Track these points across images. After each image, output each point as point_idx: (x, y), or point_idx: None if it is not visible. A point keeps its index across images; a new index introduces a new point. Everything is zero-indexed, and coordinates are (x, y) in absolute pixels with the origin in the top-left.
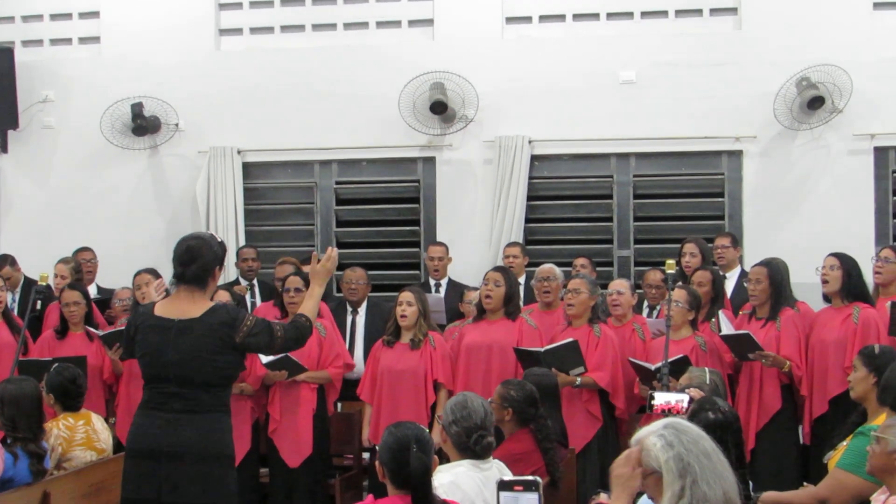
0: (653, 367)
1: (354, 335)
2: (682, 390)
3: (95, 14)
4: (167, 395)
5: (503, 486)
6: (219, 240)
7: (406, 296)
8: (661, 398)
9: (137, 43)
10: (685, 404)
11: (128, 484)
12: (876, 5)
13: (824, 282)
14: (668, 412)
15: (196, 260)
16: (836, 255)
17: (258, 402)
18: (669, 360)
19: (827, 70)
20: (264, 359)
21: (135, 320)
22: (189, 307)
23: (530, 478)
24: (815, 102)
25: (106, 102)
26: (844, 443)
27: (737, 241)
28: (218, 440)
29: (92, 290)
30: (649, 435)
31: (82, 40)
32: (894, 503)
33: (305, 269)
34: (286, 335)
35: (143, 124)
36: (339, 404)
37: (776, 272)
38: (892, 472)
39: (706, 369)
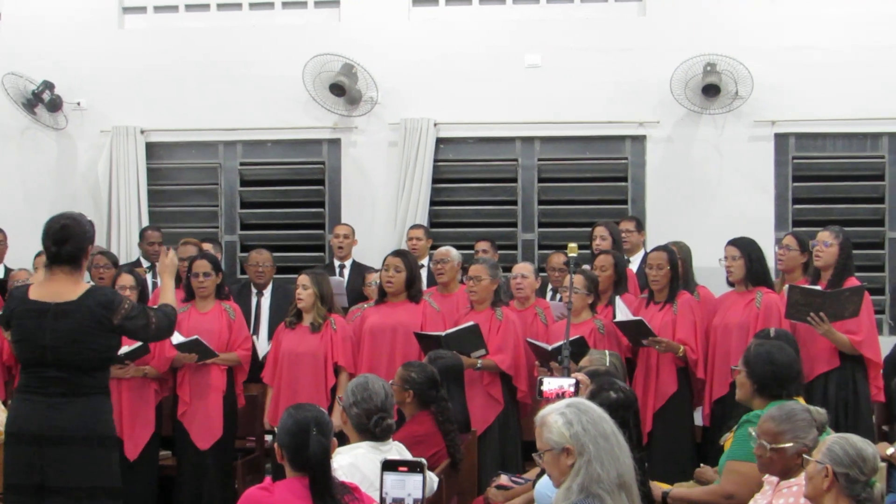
0: (549, 348)
1: (259, 317)
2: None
3: None
4: (46, 379)
5: (387, 466)
6: (88, 219)
7: (302, 279)
8: (549, 384)
9: (40, 20)
10: (572, 388)
11: (9, 470)
12: None
13: (729, 272)
14: (561, 396)
15: (70, 239)
16: (735, 243)
17: (163, 385)
18: (566, 341)
19: (728, 57)
20: (174, 341)
21: (9, 305)
22: (65, 289)
23: (415, 459)
24: (710, 90)
25: (7, 81)
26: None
27: (641, 226)
28: (100, 422)
29: None
30: (552, 412)
31: None
32: (785, 487)
33: (206, 247)
34: (159, 322)
35: (33, 101)
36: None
37: (675, 257)
38: (795, 469)
39: (606, 352)
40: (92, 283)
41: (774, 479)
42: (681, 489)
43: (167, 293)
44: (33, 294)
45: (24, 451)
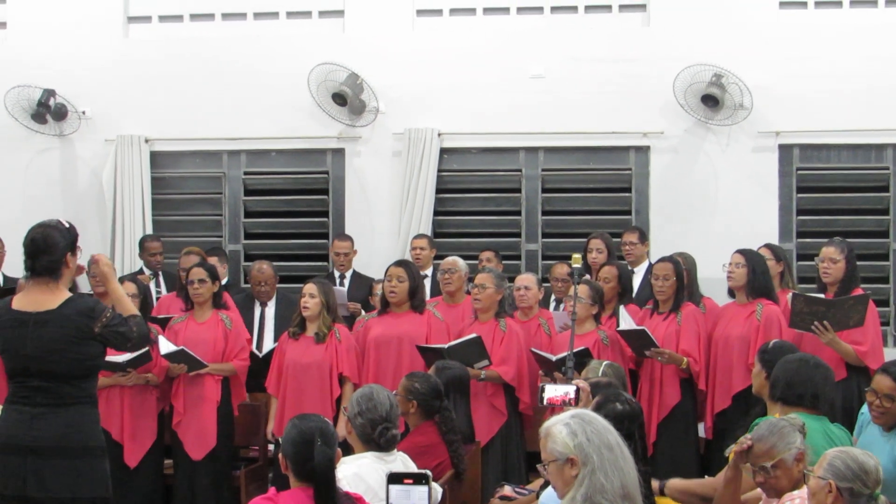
0: (554, 359)
1: (263, 327)
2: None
3: (1, 0)
4: (31, 388)
5: (393, 479)
6: (66, 224)
7: (309, 287)
8: (551, 391)
9: (45, 29)
10: (572, 395)
11: None
12: (782, 4)
13: (730, 277)
14: (566, 403)
15: (43, 251)
16: (742, 252)
17: (165, 394)
18: (570, 352)
19: (729, 71)
20: (163, 350)
21: None
22: (45, 298)
23: (420, 471)
24: (708, 100)
25: (11, 94)
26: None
27: (644, 237)
28: (84, 432)
29: None
30: (556, 423)
31: None
32: (788, 500)
33: (212, 260)
34: (139, 332)
35: (41, 111)
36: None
37: (681, 268)
38: (799, 477)
39: (603, 362)
40: (88, 291)
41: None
42: (679, 481)
43: (121, 303)
44: (16, 304)
45: (9, 461)
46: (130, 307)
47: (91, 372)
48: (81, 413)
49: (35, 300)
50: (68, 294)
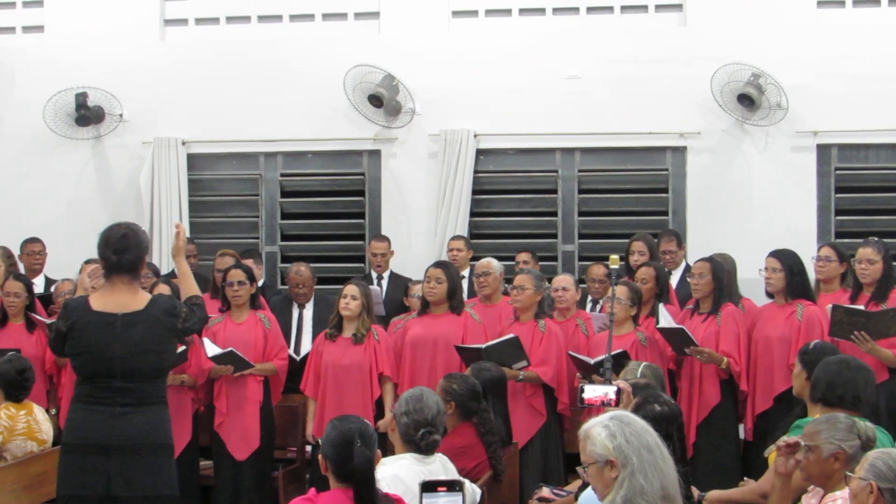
0: (591, 362)
1: (301, 329)
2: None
3: (40, 3)
4: (111, 389)
5: (426, 487)
6: (143, 228)
7: (351, 289)
8: (590, 391)
9: (82, 33)
10: (613, 396)
11: (69, 479)
12: (820, 3)
13: (768, 283)
14: (606, 403)
15: (131, 248)
16: (776, 255)
17: (198, 395)
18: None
19: (769, 67)
20: (210, 353)
21: (68, 317)
22: (129, 299)
23: (453, 478)
24: (744, 99)
25: (50, 92)
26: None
27: (681, 241)
28: (164, 430)
29: (39, 281)
30: (595, 425)
31: (26, 29)
32: (830, 500)
33: (247, 262)
34: (200, 314)
35: (86, 114)
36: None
37: (719, 267)
38: (832, 475)
39: (641, 364)
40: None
41: (820, 490)
42: (718, 492)
43: (187, 282)
44: (96, 305)
45: (88, 461)
46: (191, 288)
47: (167, 371)
48: (160, 411)
49: (119, 301)
50: (149, 295)
